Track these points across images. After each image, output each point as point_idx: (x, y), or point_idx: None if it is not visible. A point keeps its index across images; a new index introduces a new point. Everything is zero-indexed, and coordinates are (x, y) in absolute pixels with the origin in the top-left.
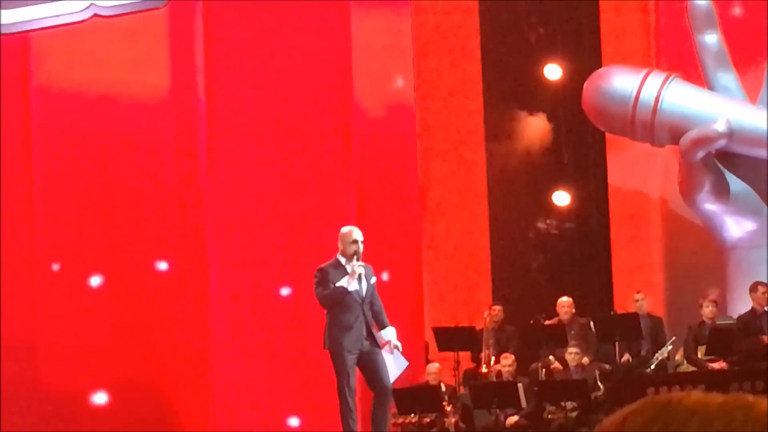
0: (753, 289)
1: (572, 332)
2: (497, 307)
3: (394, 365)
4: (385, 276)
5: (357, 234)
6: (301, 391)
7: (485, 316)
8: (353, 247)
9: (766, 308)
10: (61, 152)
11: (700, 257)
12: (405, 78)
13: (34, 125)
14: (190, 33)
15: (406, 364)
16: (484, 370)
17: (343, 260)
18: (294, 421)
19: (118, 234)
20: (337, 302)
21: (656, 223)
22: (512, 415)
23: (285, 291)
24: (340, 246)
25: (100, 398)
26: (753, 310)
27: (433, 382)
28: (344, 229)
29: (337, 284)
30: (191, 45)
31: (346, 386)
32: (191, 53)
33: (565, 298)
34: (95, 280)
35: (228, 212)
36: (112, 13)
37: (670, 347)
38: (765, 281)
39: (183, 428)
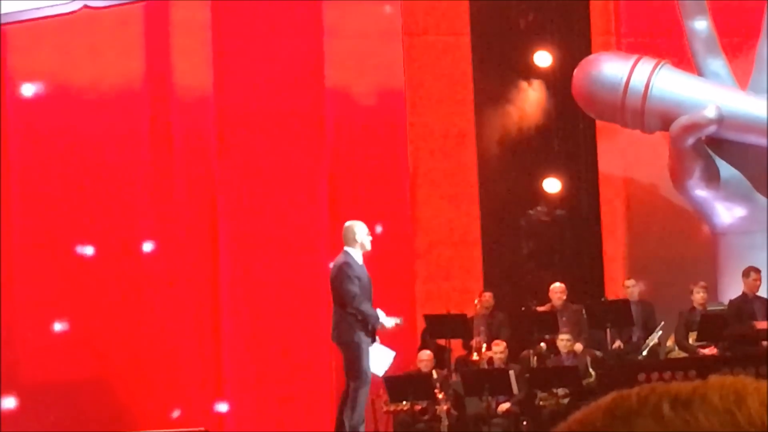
0: (746, 274)
1: (564, 319)
2: (488, 294)
3: (380, 358)
4: (378, 236)
5: (360, 228)
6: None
7: (476, 303)
8: (363, 240)
9: (757, 293)
10: (36, 142)
11: (664, 245)
12: (395, 64)
13: (9, 116)
14: (165, 23)
15: (393, 354)
16: (474, 357)
17: (352, 252)
18: (222, 406)
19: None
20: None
21: (621, 209)
22: (504, 402)
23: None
24: (345, 240)
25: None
26: (744, 295)
27: (424, 370)
28: (347, 224)
29: (381, 319)
30: (166, 35)
31: (365, 382)
32: (167, 43)
33: (557, 284)
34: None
35: (224, 199)
36: (102, 5)
37: (660, 332)
38: (756, 266)
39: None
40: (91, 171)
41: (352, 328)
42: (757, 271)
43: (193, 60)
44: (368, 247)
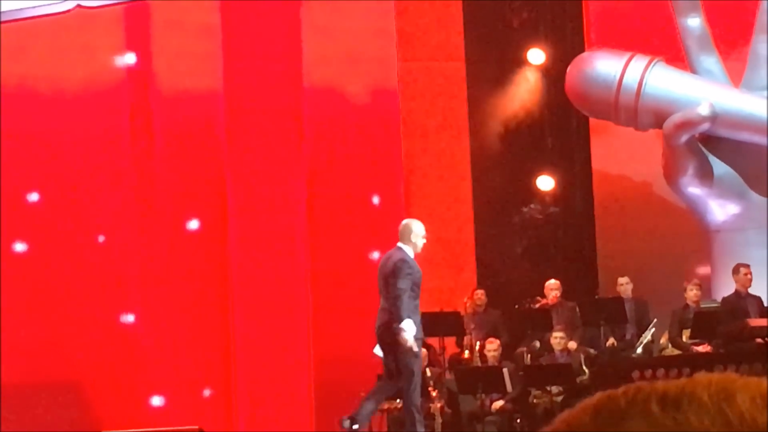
0: (735, 271)
1: (557, 316)
2: (480, 291)
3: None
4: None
5: (417, 227)
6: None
7: (465, 301)
8: (418, 241)
9: (749, 290)
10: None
11: (658, 243)
12: (389, 63)
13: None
14: (148, 23)
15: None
16: (466, 355)
17: (406, 249)
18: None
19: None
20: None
21: (615, 207)
22: (498, 399)
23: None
24: (400, 237)
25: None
26: (737, 292)
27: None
28: (405, 221)
29: (403, 326)
30: (147, 33)
31: (419, 381)
32: (148, 42)
33: (552, 281)
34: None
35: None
36: (95, 4)
37: (653, 330)
38: (745, 262)
39: None
40: (76, 169)
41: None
42: (747, 266)
43: (188, 60)
44: (420, 249)
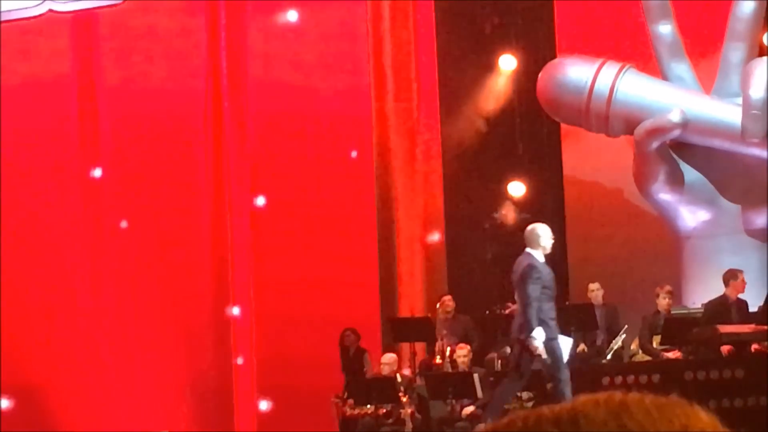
0: (733, 276)
1: None
2: (447, 297)
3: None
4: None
5: (543, 231)
6: None
7: (437, 307)
8: (546, 243)
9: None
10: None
11: (628, 249)
12: (361, 68)
13: None
14: (95, 27)
15: (571, 340)
16: (437, 360)
17: (535, 254)
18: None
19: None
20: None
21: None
22: (468, 405)
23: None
24: (528, 242)
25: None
26: (725, 297)
27: (388, 373)
28: (531, 227)
29: (534, 335)
30: (96, 37)
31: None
32: (97, 44)
33: None
34: None
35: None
36: (67, 9)
37: (623, 336)
38: (724, 270)
39: None
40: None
41: (548, 326)
42: (741, 271)
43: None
44: (549, 250)
